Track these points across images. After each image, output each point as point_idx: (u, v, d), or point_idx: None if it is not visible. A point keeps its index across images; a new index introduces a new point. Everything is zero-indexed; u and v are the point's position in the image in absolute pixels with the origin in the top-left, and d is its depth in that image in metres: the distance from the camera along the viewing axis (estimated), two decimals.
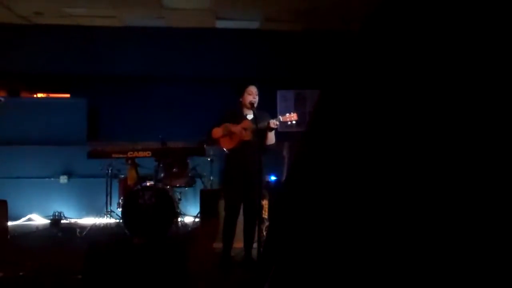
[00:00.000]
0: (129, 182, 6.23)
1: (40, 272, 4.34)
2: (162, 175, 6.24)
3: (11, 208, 6.07)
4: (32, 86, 8.66)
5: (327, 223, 0.53)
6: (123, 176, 6.56)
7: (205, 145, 6.17)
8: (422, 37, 0.51)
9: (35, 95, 8.61)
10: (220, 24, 8.14)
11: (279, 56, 8.21)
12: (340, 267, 0.50)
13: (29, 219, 7.24)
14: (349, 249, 0.50)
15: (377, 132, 0.51)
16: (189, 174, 6.62)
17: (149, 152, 6.09)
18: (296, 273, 0.55)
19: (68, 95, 8.56)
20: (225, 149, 4.74)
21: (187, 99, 8.26)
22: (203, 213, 6.04)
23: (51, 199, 7.33)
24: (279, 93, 8.00)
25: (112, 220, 6.51)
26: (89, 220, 6.92)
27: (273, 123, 4.49)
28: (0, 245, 5.43)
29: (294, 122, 4.56)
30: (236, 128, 4.60)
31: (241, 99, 4.67)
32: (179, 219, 6.34)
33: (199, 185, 6.91)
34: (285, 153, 6.67)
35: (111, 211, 6.56)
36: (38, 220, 7.24)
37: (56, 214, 6.83)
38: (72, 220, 7.14)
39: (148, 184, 5.87)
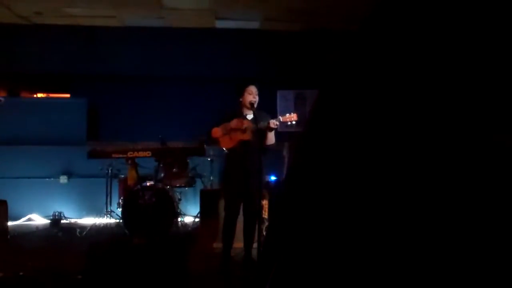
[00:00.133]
0: (129, 182, 6.23)
1: (40, 272, 4.34)
2: (162, 175, 6.24)
3: (11, 208, 6.08)
4: (32, 86, 8.66)
5: (327, 223, 0.53)
6: (123, 176, 6.56)
7: (205, 145, 6.17)
8: (422, 37, 0.51)
9: (35, 95, 8.61)
10: (220, 24, 8.14)
11: (279, 56, 8.21)
12: (340, 267, 0.50)
13: (29, 219, 7.25)
14: (349, 248, 0.50)
15: (376, 132, 0.51)
16: (189, 174, 6.62)
17: (149, 152, 6.10)
18: (297, 273, 0.55)
19: (68, 95, 8.56)
20: (224, 149, 4.74)
21: (187, 99, 8.26)
22: (203, 213, 6.04)
23: (51, 199, 7.34)
24: (279, 93, 7.99)
25: (112, 220, 6.51)
26: (89, 220, 6.92)
27: (273, 123, 4.49)
28: (0, 245, 5.44)
29: (294, 122, 4.56)
30: (233, 123, 4.59)
31: (241, 99, 4.67)
32: (179, 219, 6.35)
33: (199, 185, 6.91)
34: (285, 153, 6.67)
35: (111, 211, 6.56)
36: (38, 220, 7.25)
37: (56, 214, 6.84)
38: (72, 220, 7.15)
39: (148, 184, 5.87)
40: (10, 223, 6.18)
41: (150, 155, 6.09)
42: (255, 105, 4.61)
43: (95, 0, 6.98)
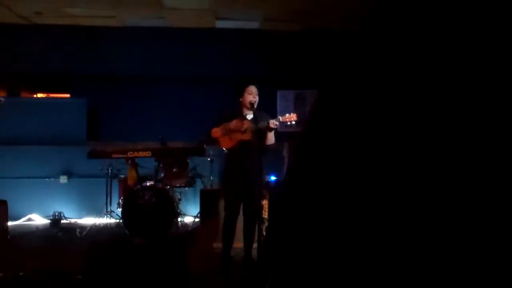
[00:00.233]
0: (129, 182, 6.23)
1: (40, 272, 4.33)
2: (162, 175, 6.24)
3: (11, 208, 6.06)
4: (32, 86, 8.66)
5: (327, 222, 0.53)
6: (123, 176, 6.56)
7: (205, 145, 6.17)
8: (420, 38, 0.51)
9: (35, 95, 8.61)
10: (220, 24, 8.14)
11: (279, 56, 8.21)
12: (339, 266, 0.51)
13: (29, 219, 7.25)
14: (348, 248, 0.50)
15: (374, 132, 0.51)
16: (189, 174, 6.61)
17: (149, 152, 6.09)
18: (296, 273, 0.55)
19: (68, 95, 8.56)
20: (224, 149, 4.74)
21: (186, 99, 8.25)
22: (203, 213, 6.04)
23: (51, 199, 7.34)
24: (279, 93, 7.99)
25: (112, 220, 6.51)
26: (89, 220, 6.92)
27: (273, 123, 4.49)
28: (0, 245, 5.43)
29: (293, 122, 4.56)
30: (233, 123, 4.59)
31: (241, 99, 4.67)
32: (179, 219, 6.34)
33: (199, 185, 6.90)
34: (285, 153, 6.67)
35: (111, 211, 6.56)
36: (38, 220, 7.25)
37: (56, 214, 6.84)
38: (72, 220, 7.15)
39: (148, 184, 5.87)
40: (10, 223, 6.17)
41: (150, 155, 6.09)
42: (255, 105, 4.61)
43: (95, 0, 6.98)
